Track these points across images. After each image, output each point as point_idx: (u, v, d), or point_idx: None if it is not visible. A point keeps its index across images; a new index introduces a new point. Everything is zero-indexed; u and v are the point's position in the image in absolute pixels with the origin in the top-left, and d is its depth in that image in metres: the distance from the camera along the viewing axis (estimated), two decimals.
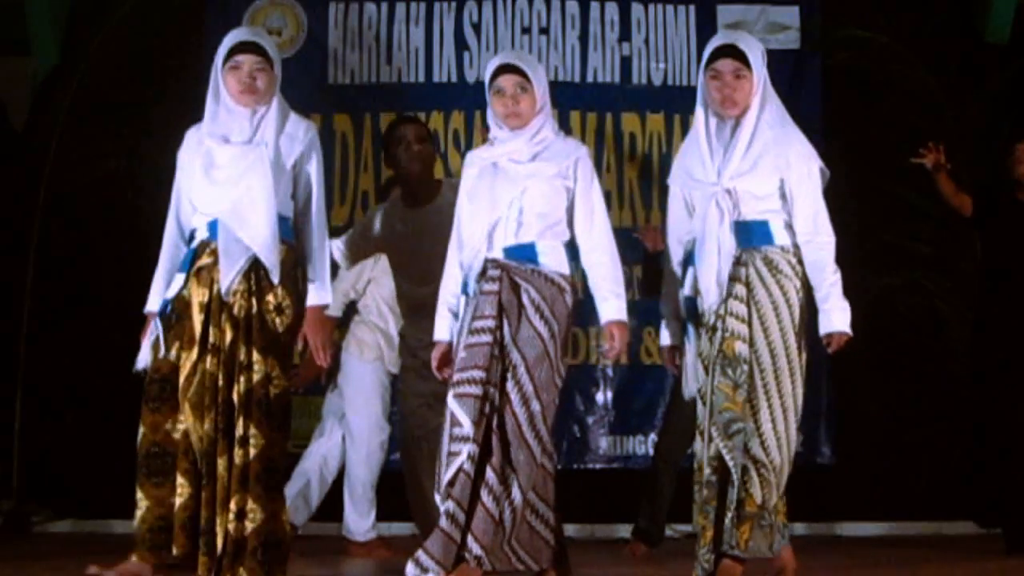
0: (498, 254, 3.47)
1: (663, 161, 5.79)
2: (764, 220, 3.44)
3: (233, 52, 3.48)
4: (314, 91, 5.89)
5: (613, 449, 5.77)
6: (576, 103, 5.92)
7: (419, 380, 4.05)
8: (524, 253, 3.46)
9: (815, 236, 3.46)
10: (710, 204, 3.44)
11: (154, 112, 5.71)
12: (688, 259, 3.55)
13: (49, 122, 5.94)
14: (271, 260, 3.39)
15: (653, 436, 5.65)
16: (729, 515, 3.31)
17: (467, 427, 3.32)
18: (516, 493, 3.33)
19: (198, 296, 3.38)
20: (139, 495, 3.34)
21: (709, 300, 3.42)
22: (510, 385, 3.36)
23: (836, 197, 5.76)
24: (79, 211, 5.82)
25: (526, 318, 3.40)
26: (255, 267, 3.39)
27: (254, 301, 3.38)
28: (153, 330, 3.41)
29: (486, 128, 3.63)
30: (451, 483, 3.33)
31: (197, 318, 3.36)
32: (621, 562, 4.68)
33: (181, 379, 3.33)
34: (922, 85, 6.01)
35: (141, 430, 3.36)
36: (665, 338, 3.67)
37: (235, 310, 3.35)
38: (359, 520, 4.77)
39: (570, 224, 3.52)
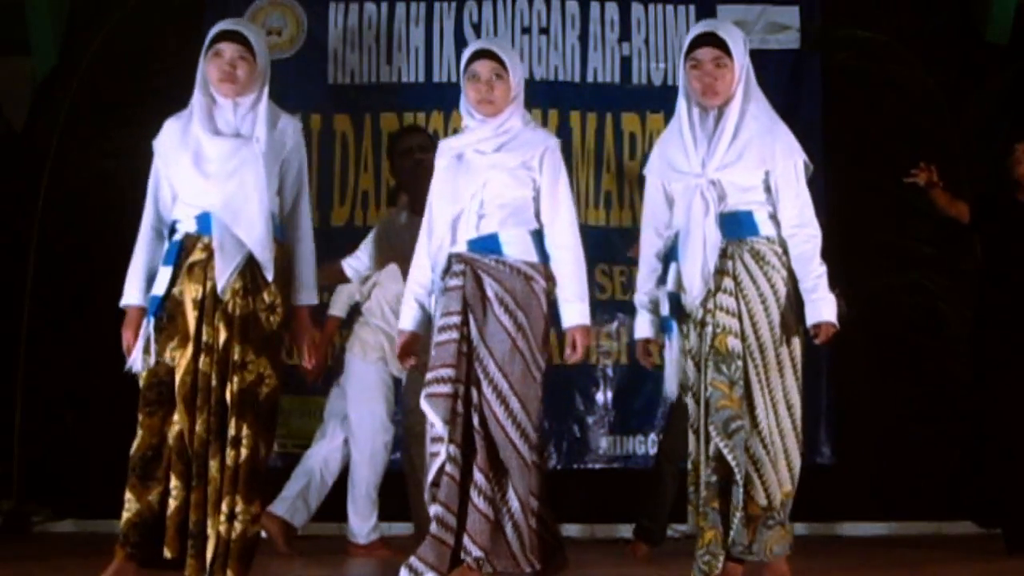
0: (462, 248, 3.44)
1: None
2: (749, 211, 3.41)
3: (216, 40, 3.45)
4: (314, 91, 5.89)
5: (613, 449, 5.77)
6: (576, 103, 5.92)
7: (422, 377, 4.06)
8: (487, 245, 3.42)
9: (801, 229, 3.43)
10: (695, 196, 3.39)
11: (154, 112, 5.66)
12: (670, 253, 3.50)
13: (49, 122, 5.93)
14: (266, 258, 3.37)
15: (653, 436, 5.66)
16: (738, 515, 3.29)
17: (439, 427, 3.31)
18: (512, 496, 3.31)
19: (191, 293, 3.34)
20: (128, 496, 3.32)
21: (694, 294, 3.37)
22: (484, 384, 3.34)
23: (836, 197, 5.84)
24: (79, 211, 5.82)
25: (492, 313, 3.36)
26: (249, 265, 3.36)
27: (249, 299, 3.35)
28: (144, 330, 3.37)
29: None
30: (435, 483, 3.33)
31: (191, 315, 3.33)
32: (622, 562, 4.67)
33: (177, 378, 3.31)
34: (922, 85, 6.01)
35: (139, 433, 3.33)
36: (639, 330, 3.61)
37: (230, 308, 3.32)
38: (360, 522, 4.77)
39: (538, 214, 3.47)
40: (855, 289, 5.55)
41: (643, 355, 3.61)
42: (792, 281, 3.44)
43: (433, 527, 3.30)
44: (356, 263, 4.61)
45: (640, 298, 3.61)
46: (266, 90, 3.51)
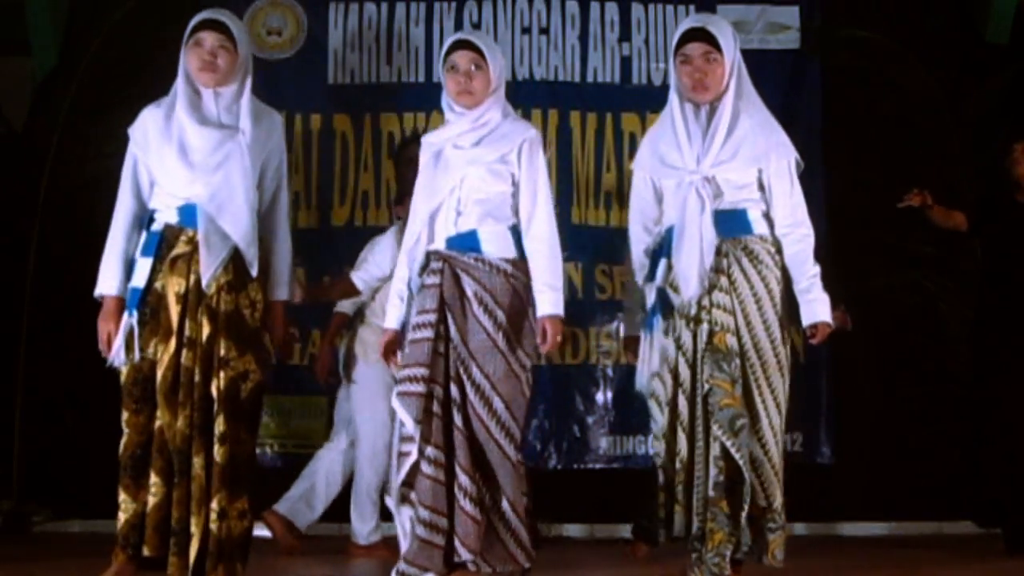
0: (440, 245, 3.40)
1: None
2: (743, 209, 3.40)
3: (196, 30, 3.43)
4: (314, 91, 5.89)
5: (613, 449, 5.76)
6: (576, 103, 5.91)
7: None
8: (466, 242, 3.38)
9: (795, 228, 3.43)
10: (689, 193, 3.36)
11: None
12: (659, 249, 3.46)
13: (49, 122, 5.93)
14: (251, 253, 3.34)
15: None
16: (743, 516, 3.27)
17: (410, 426, 3.25)
18: (501, 495, 3.29)
19: (174, 287, 3.29)
20: (123, 497, 3.30)
21: (690, 291, 3.34)
22: (467, 384, 3.30)
23: (836, 197, 5.84)
24: (79, 211, 5.81)
25: (471, 312, 3.32)
26: (234, 259, 3.33)
27: (235, 295, 3.32)
28: (126, 324, 3.32)
29: None
30: (407, 484, 3.27)
31: (174, 309, 3.28)
32: (621, 562, 4.67)
33: (158, 373, 3.26)
34: (922, 85, 6.01)
35: (126, 432, 3.30)
36: (630, 328, 3.58)
37: (214, 303, 3.28)
38: (361, 523, 4.77)
39: (516, 209, 3.43)
40: (855, 289, 5.58)
41: (628, 352, 3.60)
42: (784, 280, 3.42)
43: (421, 530, 3.24)
44: (366, 275, 4.64)
45: (629, 297, 3.59)
46: (248, 81, 3.47)
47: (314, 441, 5.45)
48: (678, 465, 3.35)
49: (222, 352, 3.28)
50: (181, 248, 3.32)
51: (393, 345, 3.50)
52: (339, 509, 4.88)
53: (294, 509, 4.79)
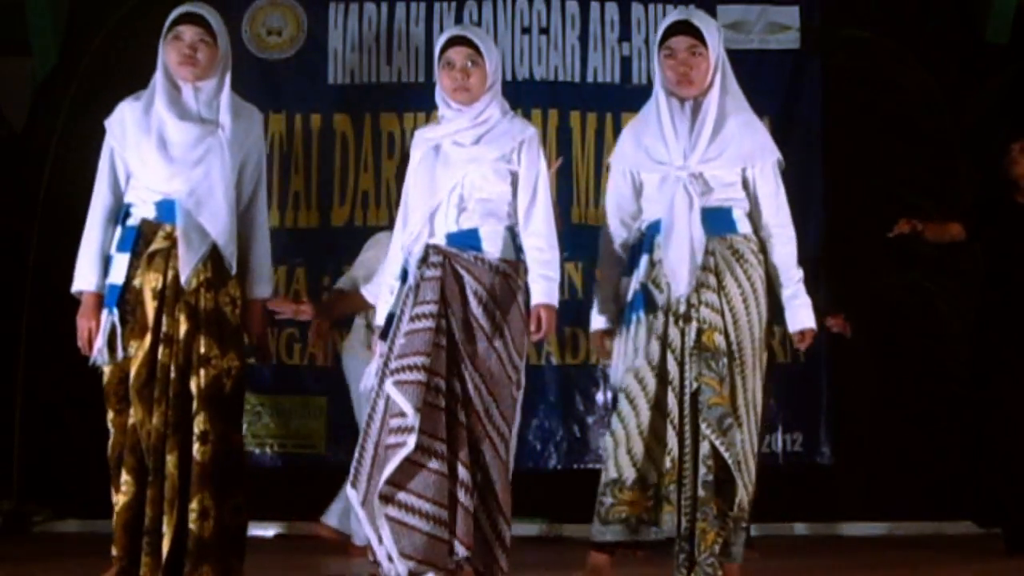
0: (440, 240, 3.36)
1: None
2: (728, 207, 3.37)
3: (175, 23, 3.38)
4: (314, 91, 5.90)
5: None
6: (576, 103, 5.91)
7: None
8: (466, 240, 3.35)
9: (781, 230, 3.40)
10: (677, 188, 3.32)
11: None
12: (639, 244, 3.42)
13: (49, 122, 5.93)
14: (230, 250, 3.31)
15: None
16: (731, 515, 3.23)
17: (411, 416, 3.13)
18: (491, 498, 3.26)
19: (151, 283, 3.25)
20: (115, 497, 3.26)
21: (680, 289, 3.29)
22: (468, 382, 3.26)
23: (836, 197, 5.84)
24: (79, 211, 5.79)
25: (470, 310, 3.29)
26: (212, 256, 3.29)
27: (214, 293, 3.28)
28: (106, 322, 3.28)
29: None
30: (392, 482, 3.15)
31: (150, 305, 3.24)
32: (621, 562, 4.67)
33: (132, 370, 3.22)
34: (922, 85, 6.01)
35: (112, 433, 3.27)
36: (599, 322, 3.50)
37: (193, 300, 3.24)
38: (358, 524, 4.76)
39: (514, 209, 3.40)
40: (855, 289, 5.58)
41: (600, 347, 3.52)
42: (767, 282, 3.40)
43: (424, 525, 3.16)
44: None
45: (602, 291, 3.50)
46: (228, 76, 3.43)
47: (314, 441, 5.46)
48: (668, 465, 3.27)
49: (202, 350, 3.24)
50: (159, 244, 3.28)
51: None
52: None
53: (341, 523, 4.75)
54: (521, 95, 5.57)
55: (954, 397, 5.60)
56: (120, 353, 3.26)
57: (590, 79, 5.96)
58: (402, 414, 3.16)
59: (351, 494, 3.26)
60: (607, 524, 3.34)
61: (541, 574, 4.18)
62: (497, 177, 3.38)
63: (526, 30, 5.98)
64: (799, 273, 3.42)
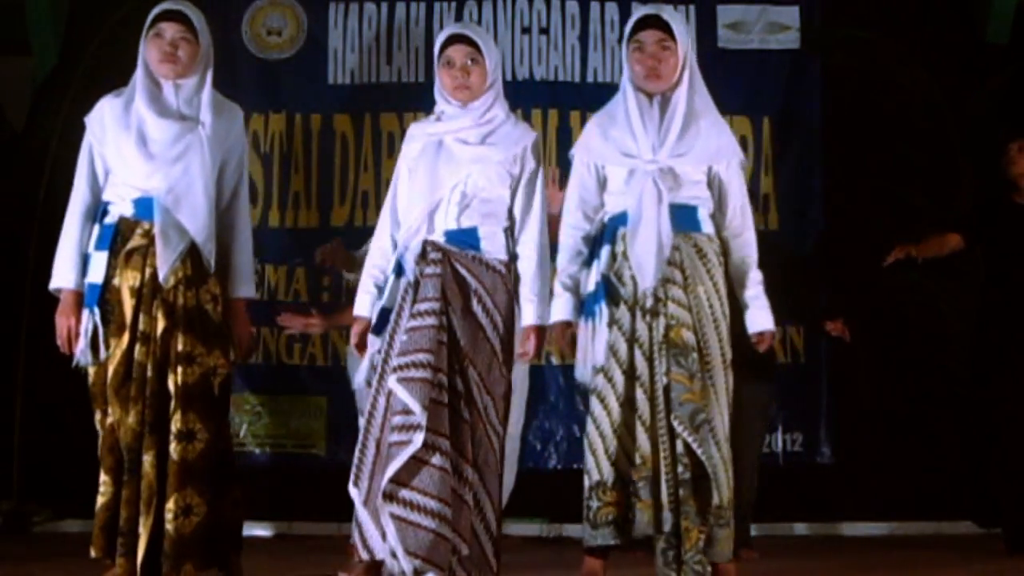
0: (439, 237, 3.34)
1: None
2: (694, 206, 3.36)
3: (157, 20, 3.37)
4: (314, 91, 5.90)
5: None
6: (576, 103, 5.90)
7: None
8: (466, 238, 3.34)
9: (744, 231, 3.41)
10: (646, 182, 3.30)
11: None
12: (600, 236, 3.39)
13: (49, 122, 5.93)
14: (209, 247, 3.29)
15: None
16: (710, 512, 3.21)
17: (418, 414, 3.10)
18: (486, 498, 3.25)
19: (128, 280, 3.23)
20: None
21: (647, 282, 3.26)
22: (469, 378, 3.25)
23: (836, 197, 5.84)
24: None
25: (469, 309, 3.29)
26: (191, 254, 3.27)
27: (194, 290, 3.26)
28: (88, 322, 3.25)
29: None
30: (396, 480, 3.11)
31: (128, 303, 3.22)
32: (621, 562, 4.67)
33: (110, 368, 3.20)
34: (922, 85, 6.01)
35: (101, 434, 3.26)
36: (558, 312, 3.41)
37: (171, 298, 3.23)
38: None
39: (512, 210, 3.41)
40: (855, 289, 5.58)
41: (560, 338, 3.45)
42: (728, 282, 3.39)
43: (429, 521, 3.12)
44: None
45: (563, 280, 3.44)
46: (210, 73, 3.41)
47: (314, 441, 5.46)
48: (638, 460, 3.24)
49: (180, 348, 3.21)
50: (136, 241, 3.26)
51: (366, 335, 3.39)
52: (338, 509, 4.86)
53: None
54: (521, 95, 5.57)
55: (954, 397, 5.61)
56: (103, 353, 3.24)
57: (590, 79, 5.96)
58: (406, 411, 3.14)
59: (353, 493, 3.23)
60: (597, 528, 3.32)
61: (541, 574, 4.18)
62: (499, 179, 3.39)
63: (526, 30, 5.98)
64: (759, 275, 3.42)
